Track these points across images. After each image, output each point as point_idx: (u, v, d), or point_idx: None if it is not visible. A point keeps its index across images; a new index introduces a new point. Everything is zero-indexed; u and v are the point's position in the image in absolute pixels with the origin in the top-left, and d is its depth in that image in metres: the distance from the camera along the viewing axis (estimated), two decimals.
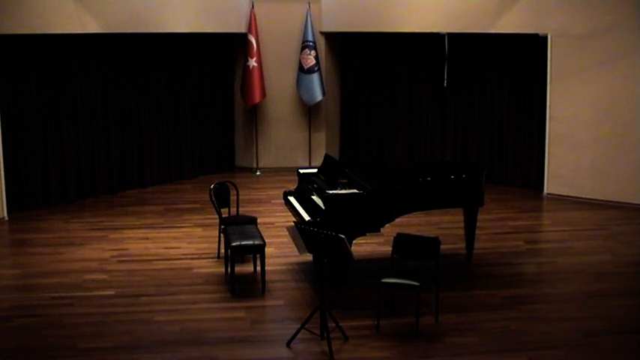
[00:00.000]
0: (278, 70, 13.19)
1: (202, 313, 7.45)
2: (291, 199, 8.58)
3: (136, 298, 7.78)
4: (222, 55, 13.24)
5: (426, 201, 8.18)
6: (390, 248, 7.37)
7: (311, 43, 12.86)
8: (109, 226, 10.25)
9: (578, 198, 11.35)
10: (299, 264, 8.70)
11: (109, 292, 7.96)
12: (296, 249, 6.96)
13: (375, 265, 8.45)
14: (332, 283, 7.85)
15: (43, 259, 8.94)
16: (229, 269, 8.09)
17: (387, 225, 7.82)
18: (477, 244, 8.93)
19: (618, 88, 10.90)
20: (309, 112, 13.25)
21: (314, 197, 8.17)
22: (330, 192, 7.72)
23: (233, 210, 9.18)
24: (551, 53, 11.29)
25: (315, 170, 8.74)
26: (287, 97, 13.30)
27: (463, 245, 8.89)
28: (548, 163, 11.60)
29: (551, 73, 11.35)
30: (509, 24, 11.44)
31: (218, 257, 8.93)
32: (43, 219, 10.55)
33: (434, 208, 8.48)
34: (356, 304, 7.53)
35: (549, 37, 11.25)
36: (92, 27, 10.72)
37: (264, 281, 7.96)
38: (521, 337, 6.95)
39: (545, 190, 11.68)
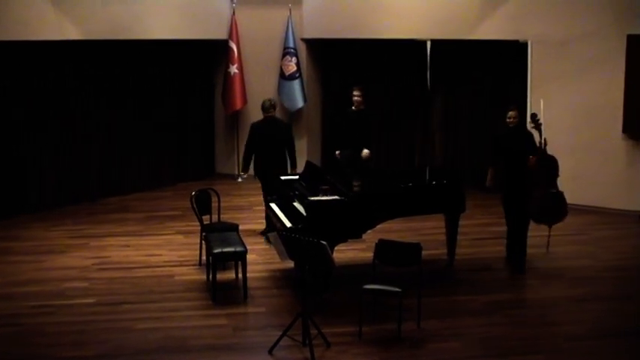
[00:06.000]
0: (259, 77, 13.17)
1: (184, 320, 7.42)
2: (273, 205, 8.56)
3: (117, 306, 7.74)
4: (204, 61, 13.23)
5: (407, 207, 8.20)
6: (372, 254, 7.38)
7: (292, 50, 12.87)
8: (89, 233, 10.19)
9: None
10: (281, 271, 8.69)
11: (90, 300, 7.91)
12: (278, 255, 6.94)
13: (356, 271, 8.44)
14: (314, 289, 7.84)
15: (23, 267, 8.87)
16: (211, 276, 8.06)
17: (368, 231, 7.83)
18: (458, 250, 8.94)
19: (597, 93, 10.98)
20: (291, 119, 13.24)
21: (295, 204, 8.16)
22: (312, 198, 7.72)
23: (214, 217, 9.16)
24: (531, 59, 11.36)
25: (297, 177, 8.73)
26: None
27: (445, 251, 8.91)
28: None
29: (531, 79, 11.42)
30: (490, 31, 11.51)
31: (200, 264, 8.90)
32: (23, 227, 10.47)
33: (415, 214, 8.51)
34: (338, 311, 7.52)
35: (529, 43, 11.33)
36: (72, 34, 10.67)
37: (245, 288, 7.94)
38: (503, 342, 6.97)
39: None
